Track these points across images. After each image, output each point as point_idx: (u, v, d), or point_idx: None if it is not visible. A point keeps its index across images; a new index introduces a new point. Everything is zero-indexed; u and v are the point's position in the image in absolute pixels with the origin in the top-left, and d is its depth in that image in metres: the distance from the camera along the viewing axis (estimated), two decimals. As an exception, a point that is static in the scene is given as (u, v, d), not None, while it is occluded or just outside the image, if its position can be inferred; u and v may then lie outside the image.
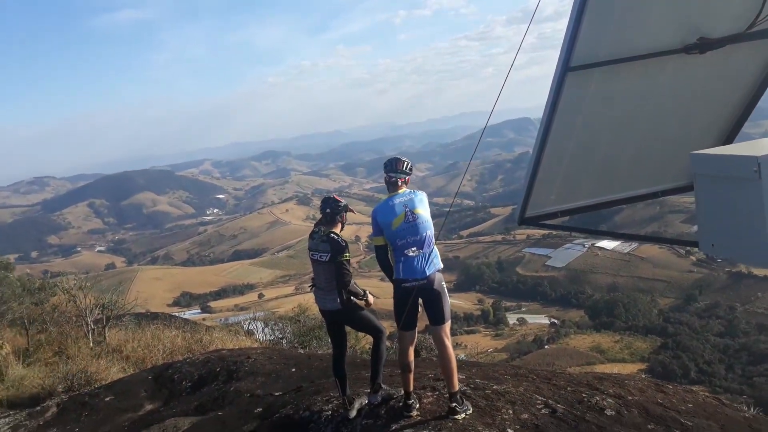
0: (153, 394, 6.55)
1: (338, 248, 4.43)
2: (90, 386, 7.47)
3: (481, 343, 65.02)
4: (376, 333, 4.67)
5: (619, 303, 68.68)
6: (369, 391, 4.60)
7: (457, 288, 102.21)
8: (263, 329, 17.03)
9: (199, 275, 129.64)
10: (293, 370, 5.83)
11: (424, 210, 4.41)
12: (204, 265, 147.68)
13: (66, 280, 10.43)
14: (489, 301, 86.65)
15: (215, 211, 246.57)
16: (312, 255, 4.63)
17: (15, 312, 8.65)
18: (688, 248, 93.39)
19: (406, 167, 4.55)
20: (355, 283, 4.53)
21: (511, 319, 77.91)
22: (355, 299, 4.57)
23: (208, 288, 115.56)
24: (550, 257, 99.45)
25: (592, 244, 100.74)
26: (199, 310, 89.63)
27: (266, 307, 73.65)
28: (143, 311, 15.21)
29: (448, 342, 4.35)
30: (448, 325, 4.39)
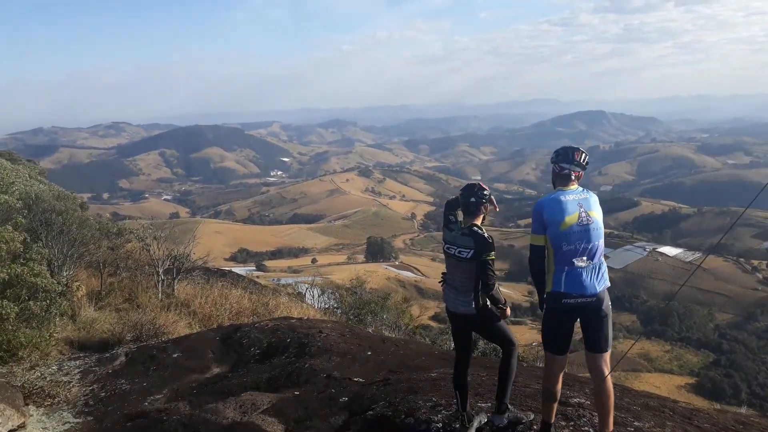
0: (220, 357, 6.43)
1: (484, 245, 3.91)
2: (157, 338, 7.46)
3: (527, 335, 63.78)
4: (508, 345, 4.09)
5: (674, 312, 66.16)
6: (493, 409, 4.07)
7: (508, 277, 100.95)
8: (319, 296, 17.00)
9: (258, 234, 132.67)
10: (369, 353, 5.54)
11: (599, 214, 3.78)
12: (263, 225, 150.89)
13: (142, 227, 10.53)
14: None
15: (279, 173, 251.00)
16: (448, 248, 4.13)
17: (93, 255, 8.73)
18: (755, 264, 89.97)
19: (584, 160, 3.96)
20: (498, 288, 4.01)
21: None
22: (492, 306, 4.04)
23: (265, 247, 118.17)
24: (608, 257, 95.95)
25: (654, 249, 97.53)
26: (254, 267, 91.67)
27: (318, 272, 74.62)
28: (212, 267, 15.39)
29: (609, 374, 3.73)
30: (609, 354, 3.77)
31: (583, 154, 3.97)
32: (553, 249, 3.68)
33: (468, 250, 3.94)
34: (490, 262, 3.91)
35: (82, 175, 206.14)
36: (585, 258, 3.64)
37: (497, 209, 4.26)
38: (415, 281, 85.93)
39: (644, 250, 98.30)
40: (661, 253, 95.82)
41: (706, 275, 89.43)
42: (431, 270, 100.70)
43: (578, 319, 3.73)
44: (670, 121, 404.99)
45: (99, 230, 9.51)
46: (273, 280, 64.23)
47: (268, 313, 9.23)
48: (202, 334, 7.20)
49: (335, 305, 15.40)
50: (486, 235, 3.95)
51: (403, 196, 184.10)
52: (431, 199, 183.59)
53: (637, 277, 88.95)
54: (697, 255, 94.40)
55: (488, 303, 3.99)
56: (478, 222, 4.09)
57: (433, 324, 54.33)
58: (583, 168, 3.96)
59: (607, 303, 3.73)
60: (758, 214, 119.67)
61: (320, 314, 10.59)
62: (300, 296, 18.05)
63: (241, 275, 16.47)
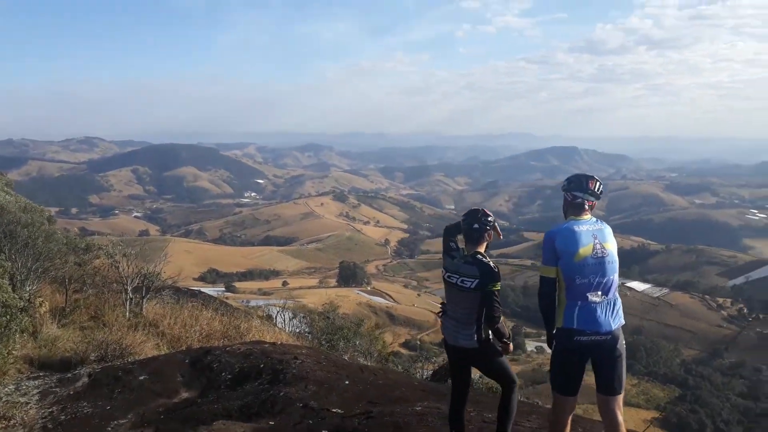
0: (189, 381, 6.15)
1: (490, 275, 3.69)
2: (124, 359, 7.13)
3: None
4: (509, 383, 3.87)
5: (642, 347, 66.95)
6: None
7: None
8: (291, 319, 16.66)
9: (229, 254, 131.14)
10: (347, 382, 5.32)
11: (613, 246, 3.58)
12: (234, 246, 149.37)
13: (112, 244, 10.19)
14: (510, 325, 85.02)
15: (253, 194, 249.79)
16: (449, 277, 3.90)
17: (59, 270, 8.38)
18: (720, 301, 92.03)
19: (598, 189, 3.73)
20: (503, 322, 3.81)
21: (530, 345, 76.78)
22: (494, 340, 3.83)
23: (235, 268, 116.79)
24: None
25: (622, 284, 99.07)
26: (224, 288, 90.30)
27: (289, 295, 73.77)
28: (182, 287, 14.99)
29: (622, 418, 3.49)
30: (622, 397, 3.53)
31: (598, 183, 3.77)
32: (566, 282, 3.47)
33: (472, 280, 3.72)
34: (496, 293, 3.73)
35: (51, 189, 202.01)
36: (599, 293, 3.44)
37: (501, 237, 4.09)
38: (387, 307, 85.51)
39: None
40: (630, 288, 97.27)
41: (673, 311, 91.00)
42: (403, 296, 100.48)
43: (590, 359, 3.50)
44: (640, 159, 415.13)
45: (66, 245, 9.17)
46: (242, 301, 63.24)
47: (239, 336, 8.95)
48: (171, 357, 6.90)
49: (307, 330, 15.10)
50: (491, 264, 3.76)
51: (378, 222, 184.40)
52: (405, 226, 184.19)
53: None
54: (665, 291, 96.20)
55: (491, 336, 3.81)
56: (481, 249, 3.88)
57: (403, 351, 54.10)
58: (597, 197, 3.75)
59: (622, 342, 3.51)
60: (723, 254, 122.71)
61: (293, 339, 10.32)
62: (270, 319, 17.70)
63: (213, 296, 16.06)
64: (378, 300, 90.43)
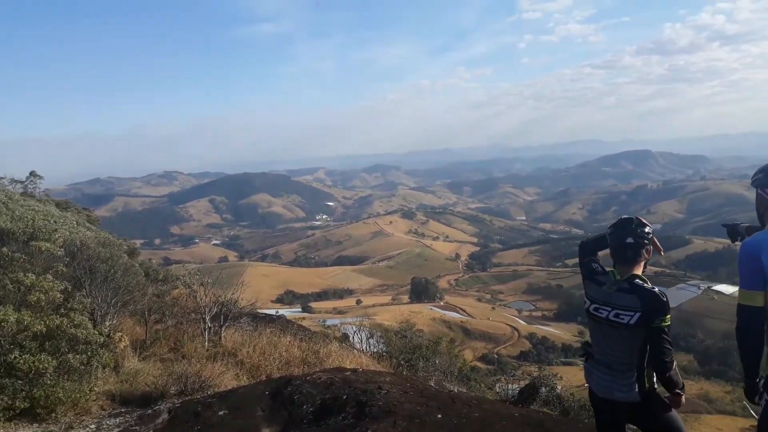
0: (270, 415, 5.83)
1: (657, 306, 2.87)
2: (203, 391, 6.93)
3: (578, 376, 61.28)
4: None
5: (734, 352, 62.59)
6: None
7: (557, 317, 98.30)
8: (368, 339, 16.33)
9: (303, 276, 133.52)
10: (439, 416, 4.82)
11: None
12: (309, 267, 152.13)
13: (188, 273, 10.18)
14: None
15: (324, 216, 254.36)
16: (597, 310, 3.08)
17: (138, 303, 8.36)
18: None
19: None
20: (676, 367, 2.99)
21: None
22: (663, 390, 3.01)
23: (310, 289, 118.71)
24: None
25: (709, 287, 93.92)
26: (300, 309, 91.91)
27: (363, 313, 74.04)
28: (259, 312, 14.97)
29: None
30: None
31: None
32: None
33: (631, 313, 2.90)
34: (666, 329, 2.88)
35: (136, 223, 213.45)
36: None
37: (662, 252, 3.21)
38: (461, 322, 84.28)
39: (698, 288, 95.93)
40: (717, 291, 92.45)
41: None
42: (477, 310, 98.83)
43: None
44: (720, 158, 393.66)
45: (145, 276, 9.18)
46: (319, 321, 64.07)
47: (319, 362, 8.62)
48: (251, 389, 6.62)
49: (384, 349, 14.75)
50: (657, 291, 2.93)
51: (447, 237, 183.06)
52: (475, 240, 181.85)
53: (693, 316, 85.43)
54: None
55: (656, 385, 3.00)
56: (639, 271, 3.04)
57: (481, 365, 52.89)
58: None
59: None
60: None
61: (373, 362, 9.91)
62: (346, 338, 17.46)
63: (290, 321, 15.97)
64: (452, 315, 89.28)
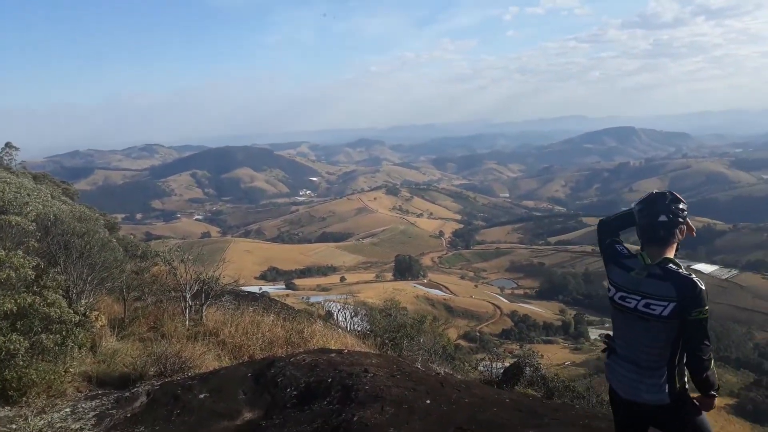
0: (253, 399, 5.65)
1: (694, 295, 2.52)
2: (183, 373, 6.73)
3: (559, 354, 62.54)
4: None
5: (712, 331, 63.91)
6: None
7: (539, 295, 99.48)
8: (352, 317, 16.24)
9: (287, 252, 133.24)
10: (428, 401, 4.66)
11: None
12: (292, 243, 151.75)
13: (169, 249, 9.90)
14: (571, 313, 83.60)
15: (308, 192, 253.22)
16: (623, 299, 2.70)
17: (116, 280, 8.09)
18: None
19: None
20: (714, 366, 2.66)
21: (593, 334, 74.97)
22: (698, 392, 2.66)
23: (294, 265, 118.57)
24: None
25: (688, 266, 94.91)
26: (284, 286, 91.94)
27: (347, 290, 74.20)
28: (241, 290, 14.73)
29: None
30: None
31: None
32: None
33: (665, 303, 2.54)
34: (704, 322, 2.56)
35: (117, 197, 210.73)
36: None
37: (694, 234, 2.82)
38: (444, 299, 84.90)
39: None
40: (696, 270, 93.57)
41: (744, 293, 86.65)
42: (460, 288, 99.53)
43: None
44: (702, 136, 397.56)
45: (123, 253, 8.89)
46: (303, 298, 64.08)
47: (303, 342, 8.44)
48: (233, 370, 6.44)
49: (368, 328, 14.66)
50: (695, 278, 2.56)
51: (431, 214, 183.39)
52: (459, 217, 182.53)
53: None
54: (734, 272, 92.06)
55: (687, 386, 2.66)
56: (671, 255, 2.68)
57: (463, 343, 53.40)
58: None
59: None
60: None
61: (358, 342, 9.76)
62: (330, 316, 17.34)
63: (274, 299, 15.75)
64: (435, 292, 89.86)
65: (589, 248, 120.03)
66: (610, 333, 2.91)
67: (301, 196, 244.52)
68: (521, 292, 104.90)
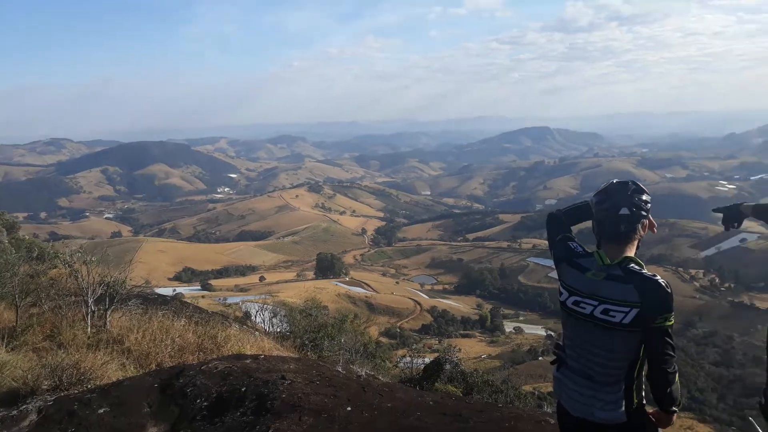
0: (158, 411, 5.21)
1: (660, 300, 2.20)
2: (82, 386, 6.14)
3: (476, 348, 64.25)
4: None
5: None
6: None
7: (457, 291, 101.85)
8: (271, 318, 15.83)
9: (203, 252, 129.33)
10: (349, 409, 4.42)
11: None
12: (209, 242, 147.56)
13: (70, 251, 9.13)
14: (487, 307, 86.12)
15: (226, 189, 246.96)
16: (577, 305, 2.36)
17: (6, 284, 7.33)
18: (693, 273, 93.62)
19: None
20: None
21: (508, 326, 77.50)
22: (659, 410, 2.35)
23: (211, 265, 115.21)
24: (553, 269, 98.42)
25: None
26: (199, 287, 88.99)
27: (266, 290, 72.90)
28: (151, 294, 13.93)
29: None
30: None
31: None
32: None
33: (626, 309, 2.20)
34: (670, 330, 2.22)
35: (19, 194, 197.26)
36: None
37: (656, 230, 2.49)
38: (366, 297, 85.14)
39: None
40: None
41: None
42: (381, 285, 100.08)
43: None
44: (612, 136, 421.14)
45: (16, 255, 8.10)
46: (219, 299, 62.19)
47: (216, 348, 7.99)
48: (137, 381, 5.94)
49: (288, 329, 14.30)
50: (661, 280, 2.24)
51: (354, 211, 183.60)
52: (382, 214, 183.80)
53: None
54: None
55: (644, 401, 2.35)
56: (632, 253, 2.35)
57: (384, 340, 53.64)
58: None
59: None
60: (695, 226, 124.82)
61: (277, 345, 9.41)
62: (248, 317, 16.82)
63: (185, 302, 15.04)
64: (357, 290, 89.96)
65: (504, 244, 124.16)
66: (560, 341, 2.55)
67: (219, 193, 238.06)
68: (441, 287, 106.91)
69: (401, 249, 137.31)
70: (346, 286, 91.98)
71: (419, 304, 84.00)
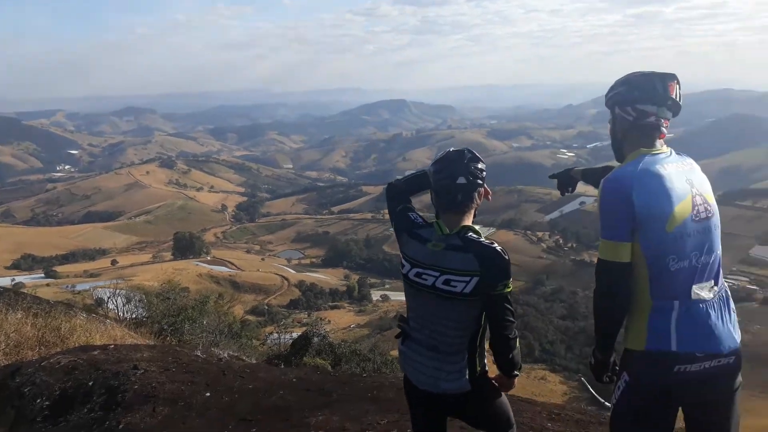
0: (-9, 417, 4.69)
1: (500, 267, 2.20)
2: None
3: (345, 318, 65.53)
4: (507, 427, 2.45)
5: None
6: None
7: (325, 263, 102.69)
8: (125, 305, 14.91)
9: (45, 236, 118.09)
10: (207, 394, 4.25)
11: (713, 197, 2.15)
12: (51, 226, 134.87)
13: None
14: (355, 278, 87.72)
15: (67, 167, 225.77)
16: (419, 276, 2.30)
17: None
18: (540, 235, 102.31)
19: (679, 97, 2.16)
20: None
21: (375, 295, 79.68)
22: (501, 374, 2.36)
23: (54, 251, 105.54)
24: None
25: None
26: (43, 275, 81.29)
27: (120, 274, 68.43)
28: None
29: None
30: None
31: (678, 87, 2.15)
32: (650, 269, 2.01)
33: (467, 279, 2.19)
34: (509, 296, 2.23)
35: None
36: (710, 282, 2.03)
37: (491, 198, 2.53)
38: (230, 276, 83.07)
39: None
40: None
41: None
42: (246, 262, 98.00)
43: (689, 402, 2.06)
44: (464, 108, 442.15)
45: None
46: (67, 287, 57.30)
47: (61, 341, 7.33)
48: (-36, 385, 5.29)
49: (144, 315, 13.54)
50: (498, 247, 2.25)
51: (212, 187, 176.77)
52: (242, 190, 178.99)
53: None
54: (492, 230, 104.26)
55: (486, 368, 2.37)
56: (469, 222, 2.36)
57: (251, 318, 52.73)
58: (678, 111, 2.18)
59: (742, 361, 2.07)
60: (540, 191, 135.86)
61: (131, 333, 8.85)
62: (101, 305, 15.70)
63: (22, 292, 13.62)
64: (220, 269, 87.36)
65: (369, 215, 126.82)
66: (404, 314, 2.49)
67: (59, 171, 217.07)
68: (308, 261, 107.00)
69: (265, 224, 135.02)
70: (208, 265, 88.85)
71: (286, 279, 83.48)
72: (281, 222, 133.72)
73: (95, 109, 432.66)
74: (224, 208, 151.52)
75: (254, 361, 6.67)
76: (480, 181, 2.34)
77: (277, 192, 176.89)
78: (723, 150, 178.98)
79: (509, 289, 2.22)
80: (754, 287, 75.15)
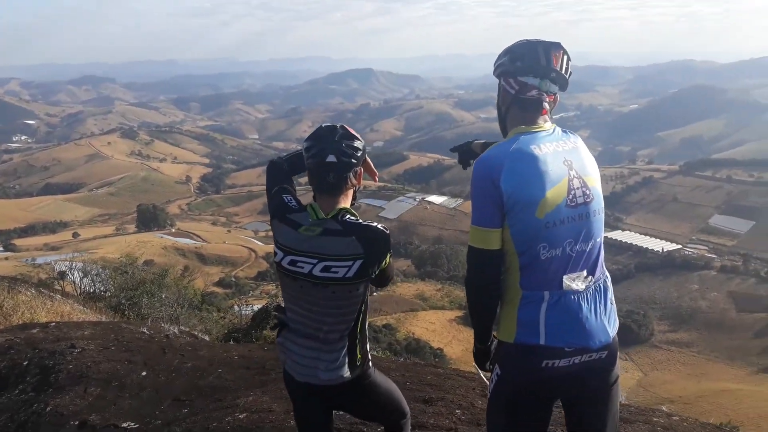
0: None
1: (382, 243, 2.08)
2: None
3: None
4: (400, 417, 2.33)
5: (443, 254, 72.49)
6: None
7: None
8: (82, 279, 14.58)
9: (2, 208, 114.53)
10: (144, 374, 4.13)
11: (597, 180, 2.00)
12: (8, 198, 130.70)
13: None
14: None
15: (23, 138, 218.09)
16: (293, 264, 2.10)
17: None
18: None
19: (566, 68, 2.01)
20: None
21: (271, 250, 79.41)
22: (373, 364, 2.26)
23: (13, 224, 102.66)
24: (384, 209, 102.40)
25: (423, 198, 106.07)
26: (1, 248, 79.20)
27: (82, 247, 66.98)
28: None
29: None
30: None
31: (565, 57, 2.00)
32: (520, 257, 1.90)
33: (349, 263, 2.03)
34: (389, 270, 2.20)
35: None
36: (584, 273, 1.89)
37: (376, 178, 2.43)
38: (196, 248, 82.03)
39: (414, 200, 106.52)
40: (429, 202, 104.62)
41: (468, 218, 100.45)
42: (212, 234, 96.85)
43: (563, 397, 1.99)
44: (432, 78, 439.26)
45: None
46: (27, 260, 55.85)
47: (3, 318, 7.11)
48: None
49: (102, 289, 13.27)
50: (380, 226, 2.12)
51: (175, 158, 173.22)
52: (207, 161, 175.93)
53: (410, 225, 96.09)
54: (459, 201, 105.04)
55: (369, 357, 2.23)
56: (347, 204, 2.18)
57: (219, 290, 52.39)
58: (565, 85, 2.05)
59: (617, 355, 1.98)
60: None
61: (83, 309, 8.64)
62: (62, 277, 15.40)
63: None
64: (185, 241, 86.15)
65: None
66: (282, 304, 2.29)
67: (15, 142, 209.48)
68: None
69: (231, 196, 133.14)
70: (172, 238, 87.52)
71: (254, 251, 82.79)
72: (247, 193, 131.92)
73: (52, 77, 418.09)
74: (188, 179, 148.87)
75: (206, 338, 6.54)
76: (354, 161, 2.15)
77: (243, 163, 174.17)
78: (686, 121, 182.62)
79: (390, 259, 2.17)
80: (712, 255, 77.72)
